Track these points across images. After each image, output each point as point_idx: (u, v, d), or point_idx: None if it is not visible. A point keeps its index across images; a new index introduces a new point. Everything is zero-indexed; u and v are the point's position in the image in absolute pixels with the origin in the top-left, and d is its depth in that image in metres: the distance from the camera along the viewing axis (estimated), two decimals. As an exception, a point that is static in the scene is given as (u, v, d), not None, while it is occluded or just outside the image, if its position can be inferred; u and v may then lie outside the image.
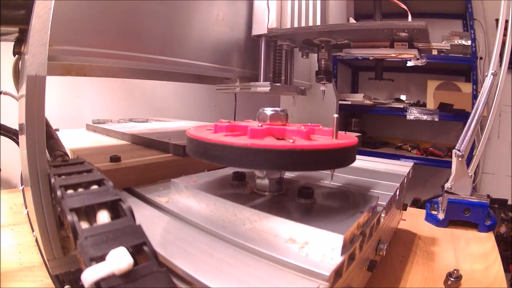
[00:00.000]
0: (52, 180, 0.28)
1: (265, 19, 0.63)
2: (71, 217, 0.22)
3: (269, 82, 0.63)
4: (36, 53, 0.31)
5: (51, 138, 0.42)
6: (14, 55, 0.47)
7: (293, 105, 0.97)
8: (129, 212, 0.24)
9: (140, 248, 0.21)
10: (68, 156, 0.38)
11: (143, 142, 0.63)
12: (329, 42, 0.61)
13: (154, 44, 0.49)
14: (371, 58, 0.66)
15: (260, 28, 0.64)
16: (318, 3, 0.61)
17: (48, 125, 0.45)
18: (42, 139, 0.32)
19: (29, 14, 0.33)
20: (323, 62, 0.63)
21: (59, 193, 0.26)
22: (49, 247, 0.33)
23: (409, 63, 0.59)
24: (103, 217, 0.24)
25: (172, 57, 0.51)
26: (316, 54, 0.65)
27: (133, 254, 0.20)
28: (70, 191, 0.26)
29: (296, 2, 0.63)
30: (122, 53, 0.45)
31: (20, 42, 0.42)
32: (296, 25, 0.63)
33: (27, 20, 0.34)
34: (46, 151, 0.33)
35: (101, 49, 0.43)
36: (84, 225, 0.23)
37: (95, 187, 0.27)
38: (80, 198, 0.25)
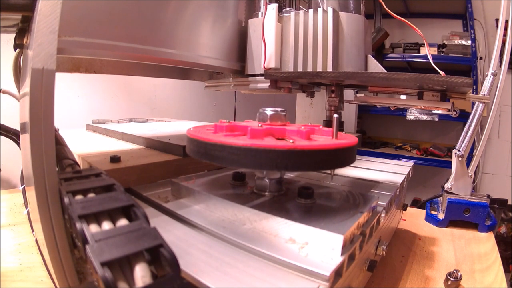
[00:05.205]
0: (66, 200, 0.24)
1: (261, 56, 0.49)
2: (80, 224, 0.20)
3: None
4: (43, 42, 0.26)
5: (57, 143, 0.37)
6: (15, 49, 0.41)
7: (310, 106, 0.90)
8: (142, 216, 0.22)
9: (157, 251, 0.19)
10: (78, 165, 0.34)
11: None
12: (340, 83, 0.48)
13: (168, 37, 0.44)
14: (392, 108, 0.52)
15: (255, 66, 0.50)
16: (330, 37, 0.45)
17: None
18: (51, 148, 0.27)
19: (34, -2, 0.27)
20: (333, 110, 0.49)
21: (74, 215, 0.22)
22: (61, 272, 0.28)
23: (436, 111, 0.48)
24: (119, 223, 0.22)
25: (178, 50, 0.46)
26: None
27: (149, 259, 0.19)
28: (79, 197, 0.25)
29: (301, 37, 0.47)
30: (140, 47, 0.40)
31: (23, 33, 0.37)
32: (301, 65, 0.48)
33: (31, 5, 0.30)
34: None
35: (116, 41, 0.37)
36: (94, 229, 0.21)
37: (107, 194, 0.25)
38: (90, 204, 0.23)
